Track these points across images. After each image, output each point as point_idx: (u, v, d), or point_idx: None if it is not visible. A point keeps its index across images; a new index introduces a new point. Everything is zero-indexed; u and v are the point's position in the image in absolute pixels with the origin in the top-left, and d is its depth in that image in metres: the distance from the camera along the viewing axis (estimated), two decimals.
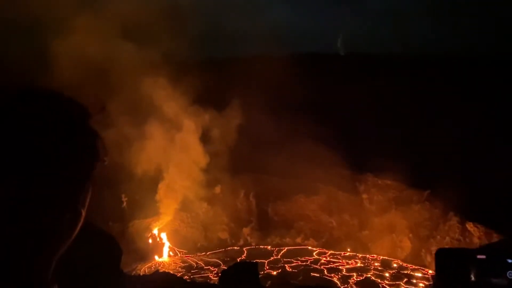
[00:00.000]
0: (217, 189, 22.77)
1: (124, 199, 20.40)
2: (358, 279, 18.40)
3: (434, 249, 19.13)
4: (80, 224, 1.27)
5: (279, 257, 20.88)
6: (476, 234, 17.81)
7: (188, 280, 16.16)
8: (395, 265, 19.73)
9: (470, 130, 21.19)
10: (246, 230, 22.83)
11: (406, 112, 23.62)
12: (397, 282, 18.05)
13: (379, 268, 19.49)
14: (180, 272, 19.07)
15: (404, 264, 19.73)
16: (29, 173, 1.10)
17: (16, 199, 1.09)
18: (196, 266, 20.01)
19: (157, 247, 21.24)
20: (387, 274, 18.75)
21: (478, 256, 5.21)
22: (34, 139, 1.12)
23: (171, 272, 17.37)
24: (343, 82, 27.27)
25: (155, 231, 21.46)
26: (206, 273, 19.17)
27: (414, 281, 18.14)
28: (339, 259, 20.57)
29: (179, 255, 21.38)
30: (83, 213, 1.27)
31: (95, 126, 1.30)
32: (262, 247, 22.26)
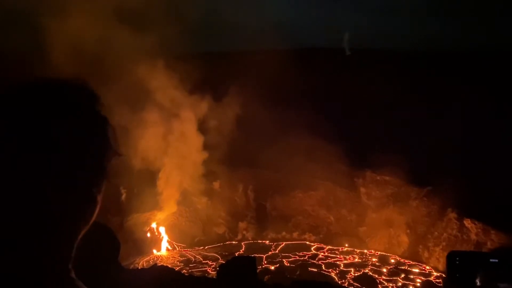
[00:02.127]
0: (216, 184, 22.79)
1: (123, 191, 20.37)
2: (356, 275, 18.45)
3: (431, 245, 19.25)
4: (97, 211, 1.28)
5: (277, 251, 20.94)
6: (473, 231, 17.84)
7: (186, 274, 16.16)
8: (392, 260, 19.80)
9: (469, 128, 21.21)
10: (243, 225, 22.85)
11: (406, 108, 23.63)
12: (394, 278, 18.11)
13: (377, 263, 19.57)
14: (178, 266, 19.11)
15: (402, 260, 19.81)
16: (47, 163, 1.10)
17: (36, 188, 1.09)
18: (194, 260, 20.05)
19: (156, 241, 21.26)
20: (384, 270, 18.81)
21: (491, 260, 5.21)
22: (48, 130, 1.11)
23: (169, 266, 17.37)
24: (342, 78, 27.27)
25: (154, 225, 21.47)
26: (204, 267, 19.22)
27: (412, 276, 18.20)
28: (336, 254, 20.63)
29: (177, 249, 21.40)
30: (99, 201, 1.28)
31: (107, 116, 1.29)
32: (260, 241, 22.30)
